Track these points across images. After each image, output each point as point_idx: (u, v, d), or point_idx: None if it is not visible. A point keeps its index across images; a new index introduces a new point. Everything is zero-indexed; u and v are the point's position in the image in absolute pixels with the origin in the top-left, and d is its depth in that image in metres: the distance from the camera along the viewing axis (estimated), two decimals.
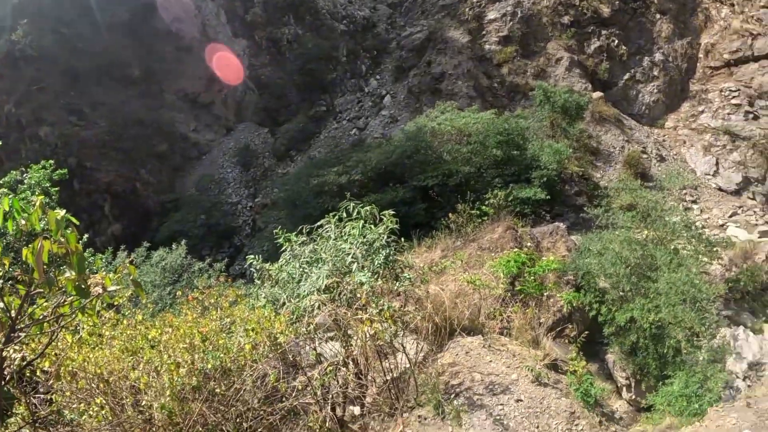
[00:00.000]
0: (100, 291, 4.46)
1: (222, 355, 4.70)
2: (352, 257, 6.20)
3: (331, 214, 7.11)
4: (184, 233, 22.13)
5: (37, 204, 3.09)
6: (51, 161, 10.16)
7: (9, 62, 21.86)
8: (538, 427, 5.89)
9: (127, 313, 5.98)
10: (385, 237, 6.56)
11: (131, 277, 4.33)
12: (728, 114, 23.54)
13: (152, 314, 7.12)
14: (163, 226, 25.64)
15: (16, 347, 3.96)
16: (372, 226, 6.75)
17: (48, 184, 9.78)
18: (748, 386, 11.44)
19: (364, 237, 6.54)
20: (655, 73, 26.16)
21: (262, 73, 34.46)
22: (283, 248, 7.08)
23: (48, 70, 23.61)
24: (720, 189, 22.57)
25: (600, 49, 26.49)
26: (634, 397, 11.57)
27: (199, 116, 33.80)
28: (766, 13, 23.84)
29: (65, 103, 25.12)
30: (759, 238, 18.31)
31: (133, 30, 30.78)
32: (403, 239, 7.29)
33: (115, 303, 5.34)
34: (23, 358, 4.04)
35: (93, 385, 4.64)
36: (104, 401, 4.52)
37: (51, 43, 23.48)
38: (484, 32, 27.46)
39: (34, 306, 3.84)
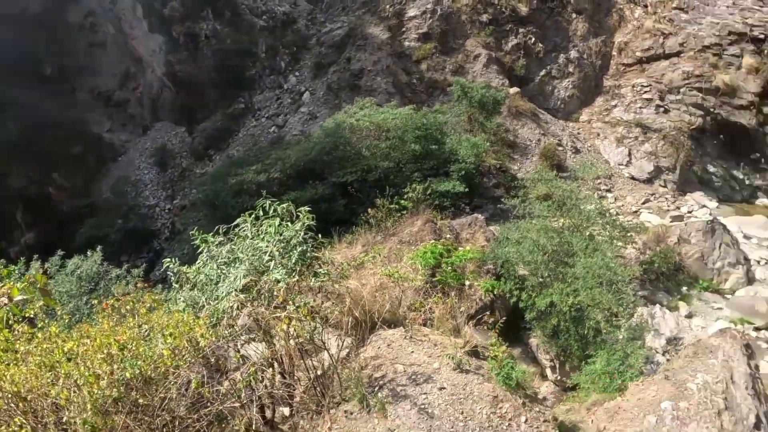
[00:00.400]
0: (5, 302, 4.37)
1: (141, 363, 4.68)
2: (269, 255, 6.31)
3: (247, 212, 7.12)
4: (101, 239, 21.16)
5: None
6: None
7: None
8: (462, 413, 6.01)
9: (41, 326, 5.80)
10: (302, 234, 6.69)
11: (38, 286, 4.26)
12: (640, 108, 25.29)
13: (69, 325, 6.91)
14: (78, 233, 24.37)
15: None
16: (289, 224, 6.86)
17: None
18: (667, 360, 12.31)
19: (281, 235, 6.63)
20: (571, 69, 27.61)
21: (179, 69, 33.30)
22: (201, 249, 7.10)
23: None
24: (633, 178, 24.19)
25: (517, 47, 27.66)
26: (559, 377, 12.24)
27: (113, 115, 32.20)
28: (677, 14, 25.87)
29: None
30: (670, 222, 19.77)
31: (45, 24, 28.77)
32: (322, 236, 7.39)
33: (27, 315, 5.21)
34: None
35: (11, 404, 4.50)
36: (23, 420, 4.37)
37: None
38: (404, 29, 28.01)
39: None
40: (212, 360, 5.65)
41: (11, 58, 26.38)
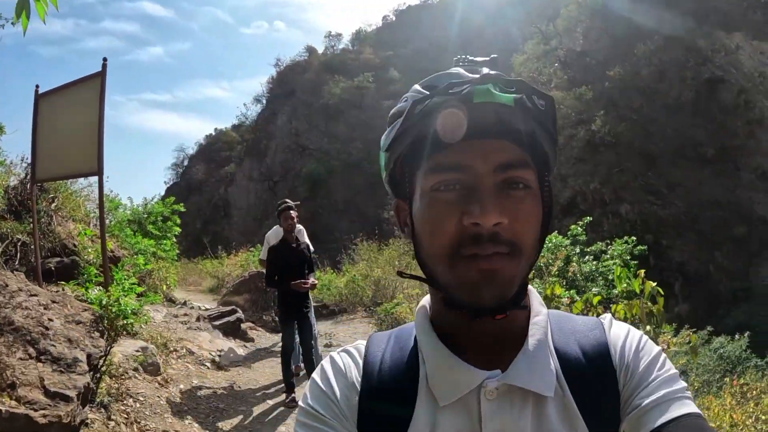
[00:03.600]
0: (665, 347, 5.15)
1: None
2: None
3: None
4: (750, 326, 19.69)
5: (642, 273, 4.09)
6: (633, 237, 11.58)
7: (590, 149, 26.16)
8: None
9: None
10: None
11: None
12: None
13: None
14: (730, 314, 23.61)
15: None
16: None
17: (628, 257, 11.17)
18: None
19: None
20: None
21: None
22: None
23: (625, 153, 26.64)
24: None
25: None
26: None
27: None
28: None
29: (643, 184, 27.47)
30: None
31: (700, 108, 30.58)
32: None
33: None
34: None
35: None
36: None
37: (625, 129, 26.53)
38: None
39: None
40: None
41: (674, 143, 28.97)
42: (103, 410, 4.25)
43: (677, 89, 26.17)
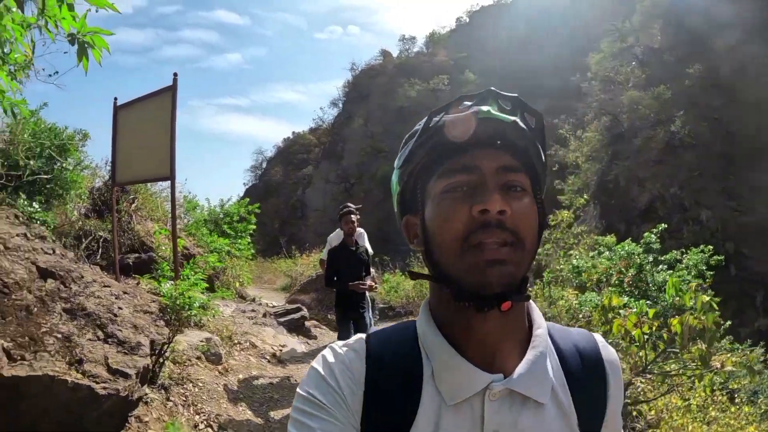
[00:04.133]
0: (718, 367, 4.84)
1: None
2: None
3: None
4: None
5: (693, 287, 4.15)
6: (710, 246, 10.77)
7: (669, 150, 24.41)
8: None
9: None
10: None
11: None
12: None
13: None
14: None
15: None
16: None
17: (704, 268, 10.41)
18: None
19: None
20: None
21: None
22: None
23: (705, 155, 24.67)
24: None
25: None
26: None
27: None
28: None
29: (723, 188, 25.32)
30: None
31: None
32: None
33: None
34: None
35: None
36: None
37: (705, 130, 24.53)
38: None
39: None
40: None
41: (756, 144, 26.35)
42: (163, 391, 4.60)
43: (759, 86, 23.83)
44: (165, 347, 4.83)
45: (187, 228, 12.02)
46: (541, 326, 0.83)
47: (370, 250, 6.66)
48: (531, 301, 0.84)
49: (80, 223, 8.26)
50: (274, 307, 9.51)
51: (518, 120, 0.78)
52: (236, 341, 7.04)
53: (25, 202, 7.23)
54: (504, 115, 0.77)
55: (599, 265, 8.57)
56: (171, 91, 6.05)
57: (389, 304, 12.79)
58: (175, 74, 6.07)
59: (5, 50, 3.32)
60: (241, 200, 13.60)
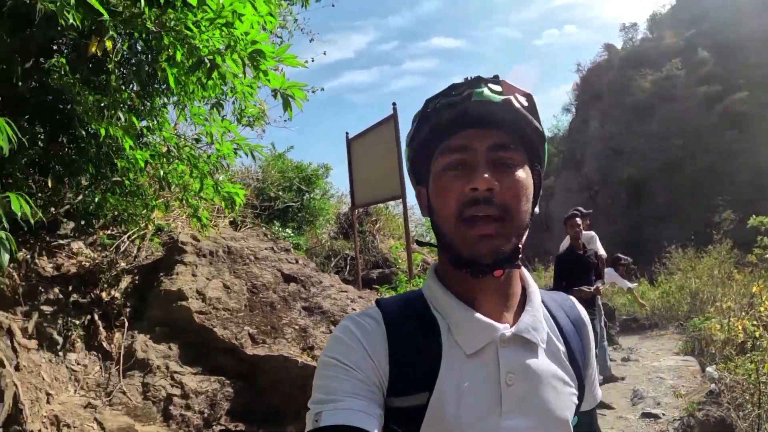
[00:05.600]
0: None
1: None
2: None
3: None
4: None
5: None
6: None
7: None
8: None
9: None
10: None
11: None
12: None
13: None
14: None
15: None
16: None
17: None
18: None
19: None
20: None
21: None
22: None
23: None
24: None
25: None
26: None
27: None
28: None
29: None
30: None
31: None
32: None
33: None
34: None
35: None
36: None
37: None
38: None
39: None
40: None
41: None
42: None
43: None
44: None
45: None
46: (533, 287, 0.95)
47: (602, 253, 6.33)
48: (522, 267, 0.94)
49: (329, 244, 9.72)
50: None
51: (511, 99, 0.84)
52: None
53: (279, 228, 8.87)
54: (495, 96, 0.83)
55: None
56: (392, 119, 6.80)
57: (633, 316, 11.59)
58: (394, 104, 6.81)
59: (242, 106, 4.32)
60: None
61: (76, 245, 4.22)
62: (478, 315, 0.85)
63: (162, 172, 4.05)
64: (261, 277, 5.13)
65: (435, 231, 0.90)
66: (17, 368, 2.98)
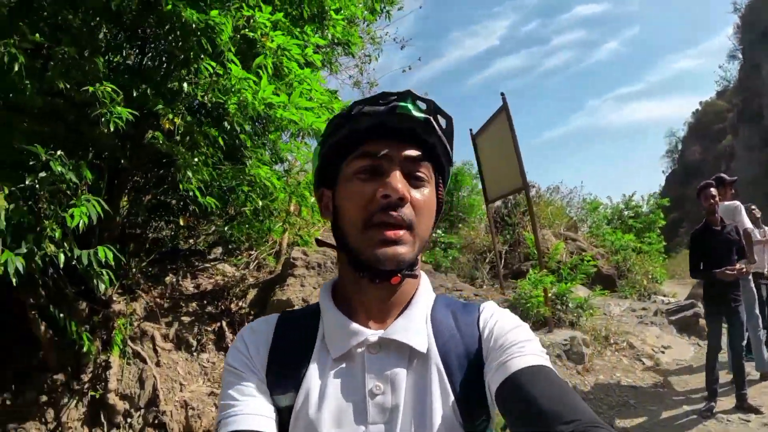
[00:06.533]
0: None
1: None
2: None
3: None
4: None
5: None
6: None
7: None
8: None
9: None
10: None
11: None
12: None
13: None
14: None
15: None
16: None
17: None
18: None
19: None
20: None
21: None
22: None
23: None
24: None
25: None
26: None
27: None
28: None
29: None
30: None
31: None
32: None
33: None
34: None
35: None
36: None
37: None
38: None
39: None
40: None
41: None
42: None
43: None
44: None
45: (591, 229, 12.13)
46: (422, 295, 0.92)
47: (748, 225, 5.35)
48: (424, 273, 0.96)
49: (479, 240, 9.81)
50: (668, 304, 8.43)
51: (431, 119, 0.86)
52: (612, 341, 6.82)
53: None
54: (419, 113, 0.85)
55: None
56: (503, 110, 6.68)
57: None
58: (503, 94, 6.69)
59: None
60: (664, 189, 12.69)
61: (221, 266, 5.31)
62: (347, 320, 0.87)
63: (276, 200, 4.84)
64: None
65: (337, 233, 0.90)
66: (158, 364, 4.01)
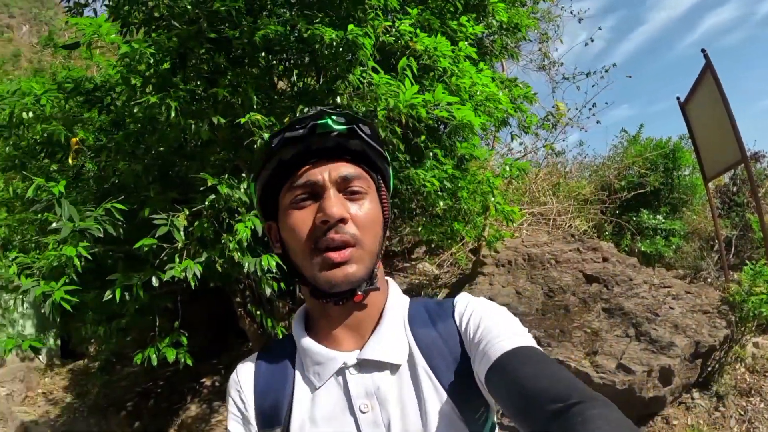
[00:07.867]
0: None
1: None
2: None
3: None
4: None
5: None
6: None
7: None
8: None
9: None
10: None
11: None
12: None
13: None
14: None
15: None
16: None
17: None
18: None
19: None
20: None
21: None
22: None
23: None
24: None
25: None
26: None
27: None
28: None
29: None
30: None
31: None
32: None
33: None
34: None
35: None
36: None
37: None
38: None
39: None
40: None
41: None
42: (715, 399, 4.29)
43: None
44: (722, 352, 4.49)
45: None
46: (393, 304, 0.91)
47: None
48: (392, 281, 0.96)
49: (704, 224, 8.29)
50: None
51: (354, 127, 0.85)
52: None
53: (649, 215, 8.16)
54: (339, 126, 0.83)
55: None
56: (707, 68, 5.62)
57: None
58: (703, 50, 5.62)
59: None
60: None
61: (421, 266, 5.56)
62: (323, 348, 0.86)
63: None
64: (559, 280, 5.18)
65: (289, 265, 0.90)
66: None
